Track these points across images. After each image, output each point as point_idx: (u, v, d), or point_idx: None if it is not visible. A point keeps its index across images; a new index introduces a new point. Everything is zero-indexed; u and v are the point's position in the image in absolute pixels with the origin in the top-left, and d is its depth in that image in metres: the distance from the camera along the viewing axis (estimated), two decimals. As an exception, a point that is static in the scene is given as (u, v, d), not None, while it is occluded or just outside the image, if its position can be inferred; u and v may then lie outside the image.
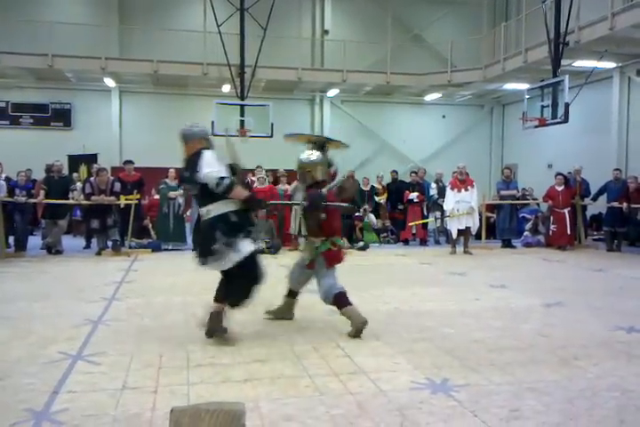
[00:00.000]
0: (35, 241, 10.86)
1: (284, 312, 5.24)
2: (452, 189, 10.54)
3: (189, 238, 10.78)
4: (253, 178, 11.38)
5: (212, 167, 4.24)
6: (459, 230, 10.45)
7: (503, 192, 11.56)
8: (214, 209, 4.30)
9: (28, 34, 15.24)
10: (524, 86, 14.43)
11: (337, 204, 4.96)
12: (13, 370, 3.71)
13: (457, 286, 7.01)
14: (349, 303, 4.69)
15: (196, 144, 4.56)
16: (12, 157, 13.08)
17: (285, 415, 3.01)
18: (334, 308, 5.57)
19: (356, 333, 4.54)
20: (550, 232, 11.29)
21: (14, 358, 3.96)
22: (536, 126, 12.76)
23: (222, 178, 4.19)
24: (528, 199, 12.68)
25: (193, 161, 4.37)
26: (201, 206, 4.38)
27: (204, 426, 2.27)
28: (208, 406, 2.37)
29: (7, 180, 10.34)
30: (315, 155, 5.13)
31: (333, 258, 4.95)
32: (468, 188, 10.45)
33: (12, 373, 3.66)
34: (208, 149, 4.46)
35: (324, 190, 4.88)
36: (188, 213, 11.12)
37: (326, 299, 4.81)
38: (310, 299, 6.12)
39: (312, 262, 4.93)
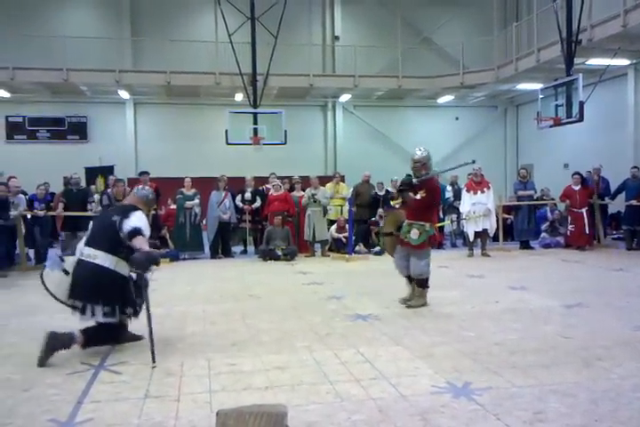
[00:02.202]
0: (52, 253, 10.98)
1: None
2: (468, 191, 10.49)
3: (207, 247, 10.89)
4: (269, 186, 11.42)
5: (139, 222, 4.40)
6: (476, 233, 10.40)
7: (520, 193, 11.47)
8: (103, 258, 4.35)
9: (42, 49, 15.51)
10: (537, 86, 14.34)
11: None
12: (38, 381, 3.76)
13: (476, 288, 6.97)
14: (428, 286, 5.93)
15: (138, 201, 4.78)
16: (30, 170, 13.33)
17: (307, 422, 3.01)
18: (354, 313, 5.59)
19: (414, 306, 5.77)
20: (568, 232, 11.18)
21: (38, 370, 4.01)
22: (551, 126, 12.66)
23: (135, 228, 4.30)
24: (545, 200, 12.56)
25: (128, 210, 4.53)
26: (91, 246, 4.41)
27: None
28: (251, 409, 2.40)
29: (24, 193, 10.47)
30: (423, 152, 5.90)
31: (434, 241, 6.13)
32: (484, 189, 10.40)
33: (37, 384, 3.71)
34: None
35: (415, 180, 5.83)
36: (204, 222, 11.19)
37: (420, 275, 5.85)
38: (330, 305, 6.14)
39: (423, 244, 5.81)
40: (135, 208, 4.58)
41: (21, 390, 3.58)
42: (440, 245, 11.77)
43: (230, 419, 2.35)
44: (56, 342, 4.12)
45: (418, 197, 5.80)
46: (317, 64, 18.18)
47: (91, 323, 4.34)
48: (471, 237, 10.47)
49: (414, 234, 5.80)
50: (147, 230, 4.43)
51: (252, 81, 15.05)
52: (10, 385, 3.70)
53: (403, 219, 6.04)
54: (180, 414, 3.15)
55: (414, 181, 5.83)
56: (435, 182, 6.04)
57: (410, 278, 5.99)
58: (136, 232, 4.30)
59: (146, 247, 4.31)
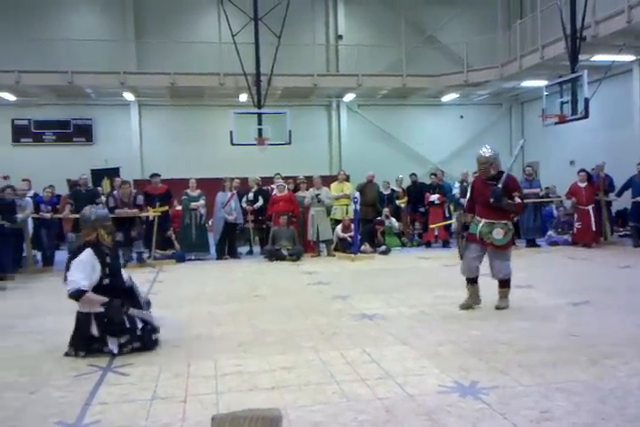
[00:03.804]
0: (61, 256, 11.02)
1: (475, 299, 5.77)
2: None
3: (212, 248, 10.91)
4: (273, 186, 11.43)
5: (73, 273, 4.30)
6: None
7: (526, 191, 11.40)
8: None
9: (46, 52, 15.56)
10: (542, 83, 14.30)
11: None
12: (45, 383, 3.78)
13: (482, 286, 6.93)
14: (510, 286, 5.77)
15: (88, 233, 4.56)
16: (36, 173, 13.34)
17: (314, 422, 3.01)
18: (360, 312, 5.58)
19: (503, 307, 5.65)
20: (575, 230, 11.13)
21: (45, 372, 4.03)
22: (556, 123, 12.62)
23: (73, 291, 4.25)
24: (551, 197, 12.51)
25: (75, 253, 4.43)
26: None
27: None
28: (246, 414, 2.42)
29: (34, 196, 10.54)
30: (489, 151, 5.71)
31: (514, 239, 6.03)
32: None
33: (44, 386, 3.73)
34: (93, 244, 4.46)
35: (500, 185, 5.50)
36: (210, 223, 11.21)
37: (506, 276, 5.70)
38: (336, 305, 6.14)
39: (507, 244, 5.67)
40: (81, 249, 4.42)
41: (28, 393, 3.60)
42: (445, 244, 11.76)
43: (225, 424, 2.36)
44: None
45: (518, 200, 5.60)
46: (321, 64, 18.18)
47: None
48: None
49: (498, 233, 5.55)
50: (87, 277, 4.30)
51: (256, 81, 15.06)
52: (17, 387, 3.72)
53: (466, 220, 5.92)
54: (187, 415, 3.16)
55: (499, 186, 5.49)
56: (515, 179, 5.93)
57: (473, 281, 5.75)
58: (76, 296, 4.27)
59: (95, 306, 4.32)
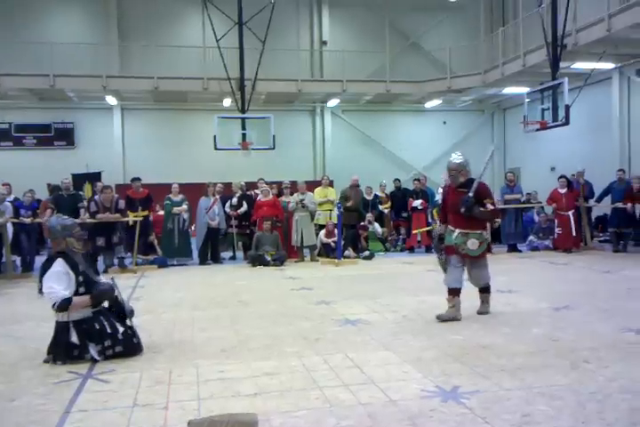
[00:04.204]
0: (41, 261, 10.90)
1: (456, 313, 5.49)
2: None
3: (195, 253, 10.85)
4: (257, 191, 11.41)
5: (49, 285, 4.27)
6: None
7: (507, 196, 11.53)
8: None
9: (29, 55, 15.45)
10: (523, 90, 14.48)
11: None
12: (24, 391, 3.72)
13: (463, 292, 6.95)
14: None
15: (58, 243, 4.52)
16: (16, 177, 13.17)
17: (296, 428, 3.01)
18: (343, 318, 5.58)
19: (485, 312, 5.62)
20: (555, 235, 11.25)
21: (25, 379, 3.97)
22: (537, 129, 12.78)
23: (54, 305, 4.24)
24: (532, 203, 12.64)
25: (45, 267, 4.39)
26: None
27: None
28: (222, 418, 2.41)
29: (15, 200, 10.41)
30: (459, 158, 5.57)
31: (490, 247, 5.79)
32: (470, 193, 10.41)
33: (23, 393, 3.67)
34: (64, 253, 4.44)
35: (471, 193, 5.35)
36: (193, 228, 11.15)
37: (487, 283, 5.69)
38: (319, 310, 6.13)
39: (483, 254, 5.55)
40: (52, 260, 4.38)
41: (8, 400, 3.55)
42: (429, 249, 11.81)
43: None
44: None
45: (490, 206, 5.41)
46: (305, 69, 18.24)
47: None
48: None
49: (473, 244, 5.38)
50: (67, 287, 4.28)
51: (240, 86, 15.05)
52: (-4, 395, 3.66)
53: (440, 231, 5.70)
54: (168, 422, 3.13)
55: (470, 194, 5.33)
56: (486, 185, 5.70)
57: (456, 291, 5.49)
58: (64, 306, 4.24)
59: (82, 302, 4.32)
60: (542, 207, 12.75)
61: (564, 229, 10.96)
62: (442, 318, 5.37)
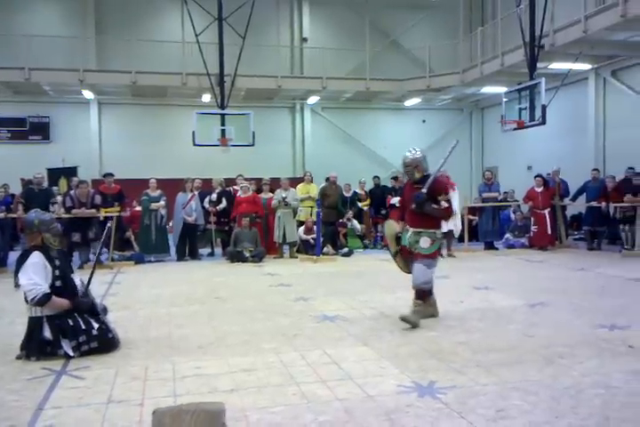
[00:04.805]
0: (15, 257, 10.71)
1: (434, 310, 5.36)
2: None
3: (173, 249, 10.77)
4: (236, 187, 11.35)
5: (29, 277, 4.21)
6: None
7: (485, 195, 11.65)
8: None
9: (3, 47, 15.15)
10: (501, 90, 14.61)
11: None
12: (-4, 387, 3.66)
13: (441, 288, 6.99)
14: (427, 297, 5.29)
15: (33, 237, 4.45)
16: (-10, 171, 12.95)
17: (274, 424, 3.00)
18: (321, 314, 5.59)
19: (411, 320, 4.97)
20: (532, 233, 11.40)
21: (-3, 376, 3.91)
22: (514, 129, 12.91)
23: (33, 298, 4.18)
24: (509, 201, 12.79)
25: (20, 260, 4.34)
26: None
27: (185, 425, 2.29)
28: (189, 407, 2.40)
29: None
30: (414, 153, 5.29)
31: (441, 249, 5.48)
32: (449, 191, 10.47)
33: (-5, 390, 3.61)
34: (40, 247, 4.38)
35: (425, 190, 5.07)
36: (170, 224, 11.06)
37: (425, 284, 5.18)
38: (297, 306, 6.13)
39: (435, 252, 5.20)
40: (27, 254, 4.32)
41: (-22, 397, 3.49)
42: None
43: (167, 417, 2.34)
44: None
45: (445, 204, 5.10)
46: (285, 66, 18.18)
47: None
48: None
49: (425, 242, 5.09)
50: (42, 278, 4.22)
51: (220, 82, 14.95)
52: (-34, 392, 3.59)
53: (396, 229, 5.40)
54: (143, 418, 3.10)
55: (423, 191, 5.03)
56: (443, 181, 5.51)
57: (429, 292, 5.29)
58: (43, 301, 4.18)
59: (61, 305, 4.27)
60: (519, 206, 12.90)
61: (540, 227, 11.11)
62: (408, 318, 5.06)
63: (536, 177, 11.56)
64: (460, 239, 11.34)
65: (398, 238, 5.37)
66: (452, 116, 20.28)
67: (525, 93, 12.55)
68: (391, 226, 5.53)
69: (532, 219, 11.39)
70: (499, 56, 14.69)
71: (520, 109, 12.60)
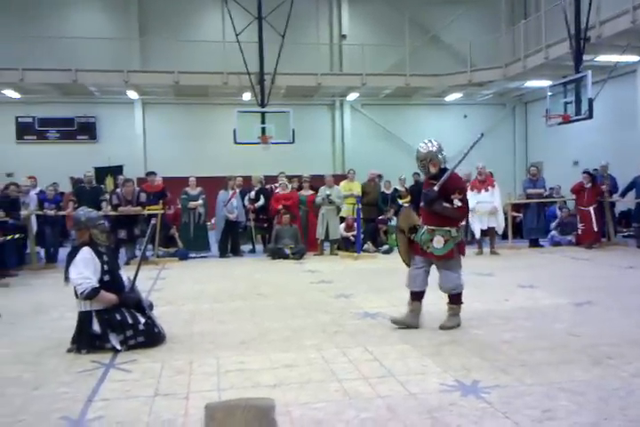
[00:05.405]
0: (65, 253, 11.05)
1: (413, 319, 4.97)
2: (472, 189, 10.38)
3: (214, 246, 10.93)
4: (276, 184, 11.44)
5: (79, 271, 4.36)
6: (482, 231, 10.35)
7: (530, 191, 11.41)
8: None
9: (51, 50, 15.63)
10: (546, 83, 14.29)
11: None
12: (49, 379, 3.79)
13: (485, 286, 6.95)
14: (462, 302, 4.99)
15: (82, 234, 4.63)
16: (40, 171, 13.38)
17: (316, 420, 3.02)
18: (362, 311, 5.59)
19: (447, 326, 4.85)
20: (579, 231, 11.11)
21: (49, 368, 4.05)
22: (560, 123, 12.61)
23: (82, 292, 4.32)
24: (555, 197, 12.50)
25: (71, 256, 4.49)
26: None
27: (236, 420, 2.33)
28: (239, 402, 2.43)
29: (40, 193, 10.56)
30: (428, 146, 4.95)
31: (463, 248, 5.02)
32: (489, 188, 10.29)
33: (48, 382, 3.74)
34: (89, 244, 4.53)
35: (436, 187, 4.77)
36: (212, 221, 11.22)
37: (454, 290, 4.91)
38: (338, 303, 6.14)
39: (450, 252, 4.84)
40: (77, 250, 4.48)
41: (32, 389, 3.62)
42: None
43: (218, 412, 2.38)
44: None
45: (458, 203, 4.77)
46: (325, 63, 18.20)
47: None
48: (477, 235, 10.42)
49: (438, 242, 4.80)
50: (91, 273, 4.38)
51: (260, 80, 15.07)
52: (21, 383, 3.74)
53: (414, 220, 5.13)
54: (189, 411, 3.17)
55: (435, 188, 4.77)
56: (458, 178, 5.20)
57: (418, 297, 4.99)
58: (92, 295, 4.33)
59: (110, 300, 4.40)
60: (565, 202, 12.59)
61: (586, 224, 10.82)
62: (396, 323, 4.94)
63: (583, 173, 11.24)
64: (504, 236, 11.14)
65: (413, 229, 5.05)
66: (494, 111, 19.93)
67: (571, 87, 12.23)
68: (409, 216, 5.23)
69: (578, 216, 11.09)
70: (543, 49, 14.34)
71: (565, 103, 12.29)
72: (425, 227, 4.92)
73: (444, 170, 4.89)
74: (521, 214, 11.77)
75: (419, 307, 5.00)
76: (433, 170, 4.91)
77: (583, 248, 10.71)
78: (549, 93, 12.95)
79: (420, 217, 5.11)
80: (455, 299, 4.95)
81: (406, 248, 5.08)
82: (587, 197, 10.88)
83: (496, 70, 16.48)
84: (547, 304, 5.84)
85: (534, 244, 11.28)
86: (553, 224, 11.78)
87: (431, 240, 4.84)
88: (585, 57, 12.24)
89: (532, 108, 19.23)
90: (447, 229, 4.83)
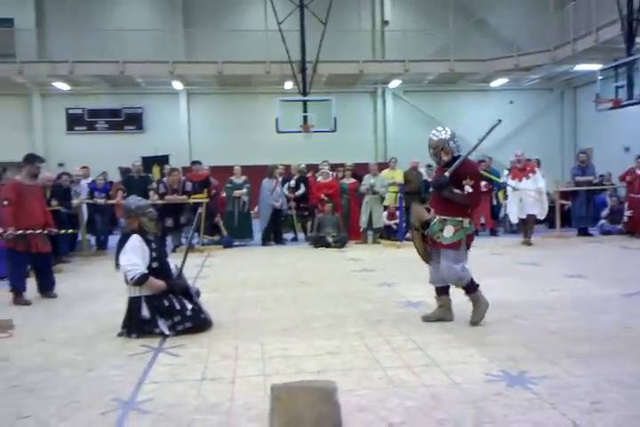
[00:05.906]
0: (114, 240, 11.35)
1: (445, 313, 4.87)
2: (513, 178, 10.16)
3: (257, 235, 11.05)
4: (318, 173, 11.46)
5: (128, 258, 4.48)
6: (520, 219, 10.10)
7: (579, 178, 11.08)
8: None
9: (99, 42, 15.98)
10: (596, 67, 13.83)
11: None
12: (101, 362, 3.93)
13: (531, 276, 6.82)
14: (477, 287, 4.78)
15: (131, 222, 4.76)
16: (89, 160, 13.73)
17: (360, 406, 3.04)
18: (405, 300, 5.58)
19: (476, 320, 4.67)
20: (625, 218, 10.74)
21: (101, 351, 4.19)
22: (610, 108, 12.21)
23: (132, 278, 4.45)
24: (605, 185, 12.11)
25: (121, 242, 4.62)
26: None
27: (301, 401, 2.38)
28: (302, 384, 2.49)
29: (91, 182, 10.88)
30: (440, 133, 4.80)
31: (472, 240, 4.84)
32: (530, 175, 10.01)
33: (100, 365, 3.88)
34: (138, 231, 4.66)
35: (448, 174, 4.60)
36: (255, 210, 11.34)
37: (459, 282, 4.72)
38: (381, 292, 6.14)
39: (459, 242, 4.65)
40: (127, 237, 4.61)
41: (86, 371, 3.76)
42: (493, 232, 11.58)
43: (283, 392, 2.43)
44: None
45: (469, 189, 4.58)
46: (367, 50, 18.05)
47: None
48: (513, 220, 10.23)
49: (448, 231, 4.63)
50: (140, 260, 4.51)
51: (302, 69, 15.07)
52: (75, 365, 3.89)
53: (424, 215, 4.94)
54: (235, 395, 3.24)
55: (446, 174, 4.60)
56: (472, 164, 5.02)
57: (443, 291, 4.87)
58: (141, 281, 4.46)
59: (159, 286, 4.53)
60: (615, 189, 12.20)
61: (636, 211, 10.46)
62: (427, 319, 4.83)
63: (638, 158, 10.83)
64: (552, 225, 10.88)
65: (426, 224, 4.86)
66: (541, 97, 19.41)
67: (622, 70, 11.80)
68: (418, 212, 5.04)
69: (626, 204, 10.72)
70: (593, 32, 13.88)
71: (617, 88, 11.86)
72: (437, 217, 4.78)
73: (457, 157, 4.71)
74: (569, 202, 11.47)
75: (447, 301, 4.89)
76: (445, 158, 4.74)
77: (633, 237, 10.35)
78: (600, 77, 12.53)
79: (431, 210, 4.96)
80: (468, 288, 4.75)
81: (422, 244, 4.91)
82: (638, 184, 10.51)
83: (544, 54, 16.02)
84: (595, 295, 5.70)
85: (583, 233, 10.99)
86: (603, 213, 11.44)
87: (441, 230, 4.68)
88: (637, 39, 11.83)
89: (582, 93, 18.63)
90: (459, 219, 4.66)
